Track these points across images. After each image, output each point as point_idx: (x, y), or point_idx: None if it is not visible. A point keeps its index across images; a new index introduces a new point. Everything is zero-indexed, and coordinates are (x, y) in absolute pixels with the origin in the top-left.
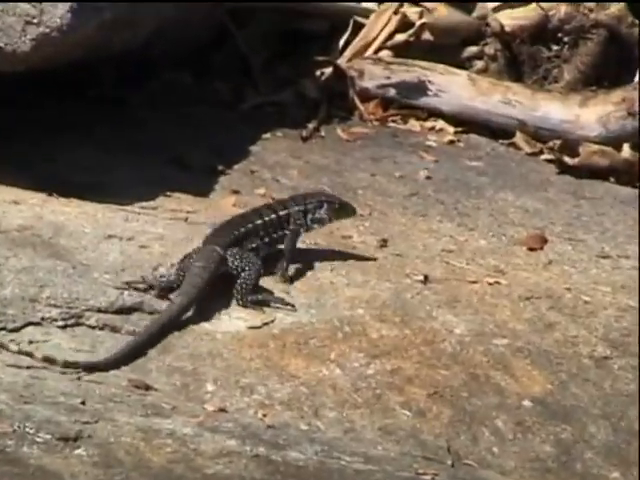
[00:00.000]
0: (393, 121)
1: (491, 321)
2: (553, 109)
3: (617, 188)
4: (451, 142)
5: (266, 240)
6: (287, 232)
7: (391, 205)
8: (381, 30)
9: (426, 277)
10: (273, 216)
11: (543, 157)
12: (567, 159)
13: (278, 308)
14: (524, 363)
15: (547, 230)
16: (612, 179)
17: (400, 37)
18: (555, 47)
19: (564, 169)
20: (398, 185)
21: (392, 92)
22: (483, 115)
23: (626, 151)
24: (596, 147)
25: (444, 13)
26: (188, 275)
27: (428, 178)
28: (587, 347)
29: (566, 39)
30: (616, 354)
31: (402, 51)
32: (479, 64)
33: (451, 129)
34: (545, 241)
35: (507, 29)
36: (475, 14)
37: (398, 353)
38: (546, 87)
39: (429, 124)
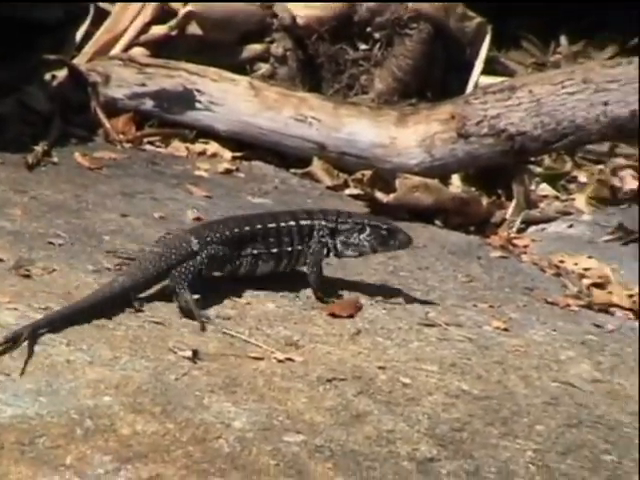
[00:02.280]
0: (150, 143)
1: (281, 411)
2: (361, 129)
3: (444, 234)
4: (228, 171)
5: (274, 250)
6: (306, 248)
7: None
8: (132, 20)
9: (195, 352)
10: (292, 223)
11: (348, 192)
12: (380, 195)
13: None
14: (324, 467)
15: (353, 289)
16: (438, 222)
17: (158, 30)
18: (363, 46)
19: (376, 208)
20: (158, 229)
21: (149, 104)
22: (270, 136)
23: (456, 185)
24: (417, 180)
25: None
26: (143, 257)
27: (198, 220)
28: (407, 445)
29: (378, 35)
30: (444, 454)
31: (162, 49)
32: (264, 68)
33: (228, 154)
34: (358, 307)
35: (300, 22)
36: (258, 2)
37: (158, 455)
38: (352, 99)
39: (198, 147)
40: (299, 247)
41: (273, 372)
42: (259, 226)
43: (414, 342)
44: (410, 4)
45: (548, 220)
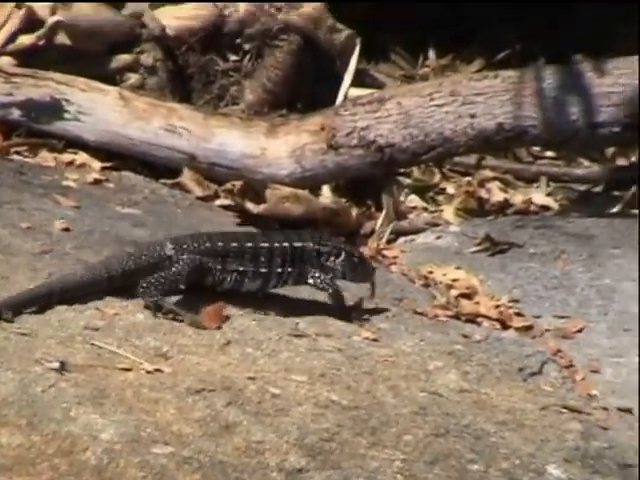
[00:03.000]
0: (17, 153)
1: (150, 423)
2: (231, 140)
3: None
4: (97, 182)
5: (262, 270)
6: (298, 271)
7: (15, 267)
8: None
9: (63, 364)
10: (285, 245)
11: (219, 203)
12: (251, 206)
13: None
14: (192, 479)
15: (221, 299)
16: None
17: (26, 39)
18: (234, 57)
19: (247, 219)
20: (25, 240)
21: (16, 114)
22: (139, 146)
23: (326, 195)
24: (288, 190)
25: (86, 9)
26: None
27: (66, 230)
28: (276, 456)
29: (247, 47)
30: (313, 465)
31: (29, 58)
32: (133, 78)
33: (97, 164)
34: (225, 318)
35: (170, 32)
36: (127, 11)
37: (23, 468)
38: (222, 110)
39: (67, 157)
40: (289, 269)
41: (141, 383)
42: (263, 244)
43: (284, 352)
44: (279, 16)
45: (417, 231)
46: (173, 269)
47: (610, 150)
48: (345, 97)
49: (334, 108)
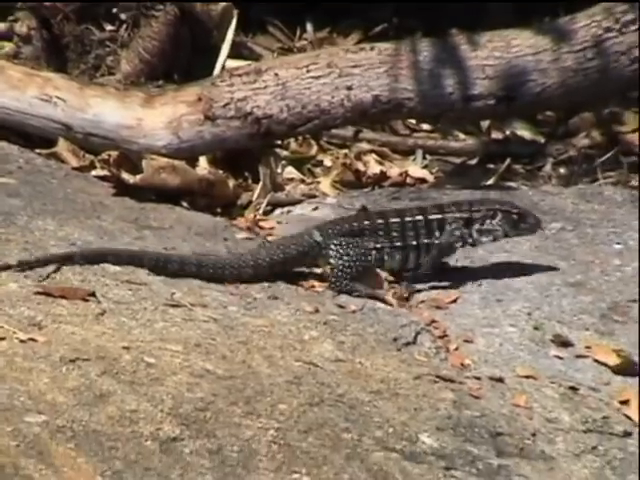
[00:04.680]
0: None
1: (23, 392)
2: (107, 110)
3: (191, 215)
4: None
5: (398, 244)
6: (435, 242)
7: None
8: None
9: None
10: (419, 217)
11: (95, 173)
12: (126, 176)
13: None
14: (66, 448)
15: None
16: (185, 203)
17: None
18: (110, 27)
19: (123, 189)
20: None
21: None
22: (14, 116)
23: (203, 167)
24: (164, 161)
25: None
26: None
27: None
28: (150, 425)
29: (124, 16)
30: (187, 434)
31: None
32: (8, 47)
33: None
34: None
35: (45, 1)
36: None
37: None
38: (98, 80)
39: None
40: (426, 241)
41: (15, 352)
42: (394, 220)
43: (159, 322)
44: None
45: (294, 203)
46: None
47: (485, 123)
48: (222, 68)
49: (211, 79)
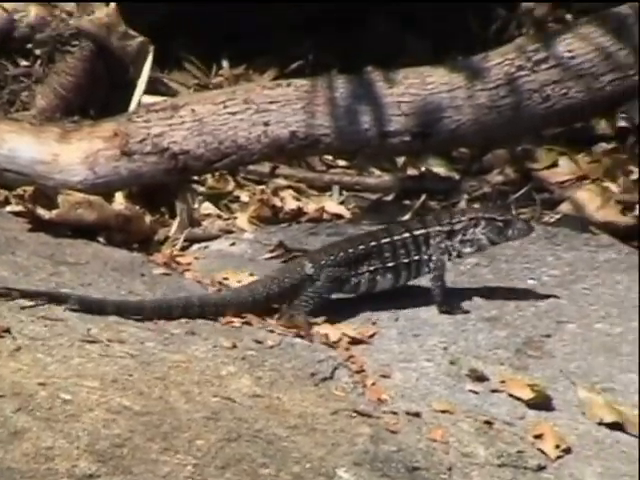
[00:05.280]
0: None
1: None
2: (23, 145)
3: (108, 250)
4: None
5: (389, 264)
6: (425, 257)
7: None
8: None
9: None
10: (406, 235)
11: (9, 209)
12: (42, 212)
13: None
14: None
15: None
16: (101, 239)
17: None
18: (24, 62)
19: (38, 225)
20: None
21: None
22: None
23: (119, 202)
24: (80, 196)
25: None
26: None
27: None
28: (66, 462)
29: (39, 52)
30: (104, 470)
31: None
32: None
33: None
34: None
35: None
36: None
37: None
38: (13, 116)
39: None
40: (416, 257)
41: None
42: (385, 240)
43: (75, 358)
44: (71, 21)
45: (211, 238)
46: (315, 286)
47: (400, 159)
48: (139, 104)
49: (127, 114)
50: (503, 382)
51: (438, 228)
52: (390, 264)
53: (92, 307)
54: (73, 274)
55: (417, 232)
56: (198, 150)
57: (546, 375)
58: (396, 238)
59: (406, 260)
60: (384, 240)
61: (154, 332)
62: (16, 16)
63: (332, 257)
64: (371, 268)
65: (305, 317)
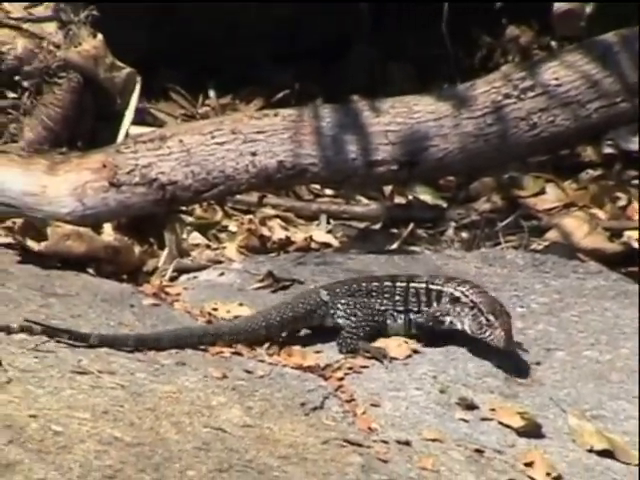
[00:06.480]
0: None
1: None
2: (11, 177)
3: (97, 281)
4: None
5: (400, 308)
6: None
7: None
8: None
9: None
10: (422, 285)
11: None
12: (31, 243)
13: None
14: None
15: None
16: (91, 270)
17: None
18: (12, 94)
19: (28, 257)
20: None
21: None
22: None
23: (108, 233)
24: (69, 228)
25: None
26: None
27: None
28: None
29: (26, 84)
30: None
31: None
32: None
33: None
34: None
35: None
36: None
37: None
38: (1, 148)
39: None
40: (425, 309)
41: None
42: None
43: (66, 390)
44: (58, 53)
45: (199, 268)
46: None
47: (388, 188)
48: (126, 135)
49: (115, 146)
50: (493, 410)
51: (451, 290)
52: (401, 308)
53: (113, 343)
54: (63, 305)
55: (434, 287)
56: (186, 181)
57: (536, 403)
58: (412, 285)
59: (416, 309)
60: (400, 284)
61: (144, 363)
62: (3, 48)
63: (346, 287)
64: (382, 308)
65: (366, 344)
